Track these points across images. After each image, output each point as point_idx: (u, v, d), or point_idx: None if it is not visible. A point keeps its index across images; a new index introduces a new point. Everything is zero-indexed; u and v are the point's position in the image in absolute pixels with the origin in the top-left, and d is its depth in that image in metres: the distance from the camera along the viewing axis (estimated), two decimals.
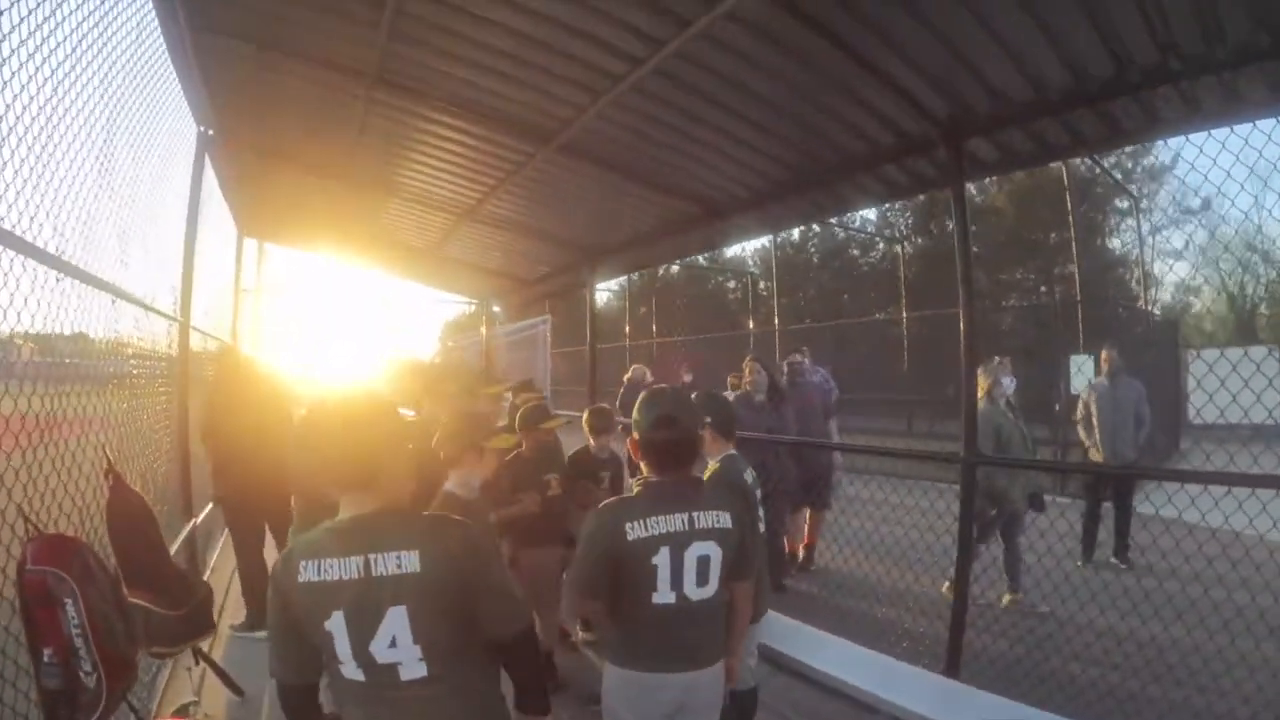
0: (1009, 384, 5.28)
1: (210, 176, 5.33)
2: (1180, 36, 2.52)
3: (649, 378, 8.92)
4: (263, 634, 4.58)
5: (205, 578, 4.67)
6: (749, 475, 2.74)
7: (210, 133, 4.82)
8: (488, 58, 3.42)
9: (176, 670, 3.46)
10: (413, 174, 5.34)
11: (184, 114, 4.35)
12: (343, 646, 1.45)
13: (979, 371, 5.41)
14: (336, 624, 1.44)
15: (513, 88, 3.66)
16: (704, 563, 1.99)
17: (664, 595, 1.97)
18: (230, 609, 4.56)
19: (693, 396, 2.50)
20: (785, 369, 6.16)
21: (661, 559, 1.95)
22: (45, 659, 1.78)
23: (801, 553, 5.80)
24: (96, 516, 2.40)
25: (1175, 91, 2.76)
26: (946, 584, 4.69)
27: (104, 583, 1.98)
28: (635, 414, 2.13)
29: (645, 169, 4.49)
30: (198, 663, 3.22)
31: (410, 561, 1.45)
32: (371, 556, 1.45)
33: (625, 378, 9.15)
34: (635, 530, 1.96)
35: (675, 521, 1.98)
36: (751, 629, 2.74)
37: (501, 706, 1.64)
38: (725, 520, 2.04)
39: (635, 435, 2.11)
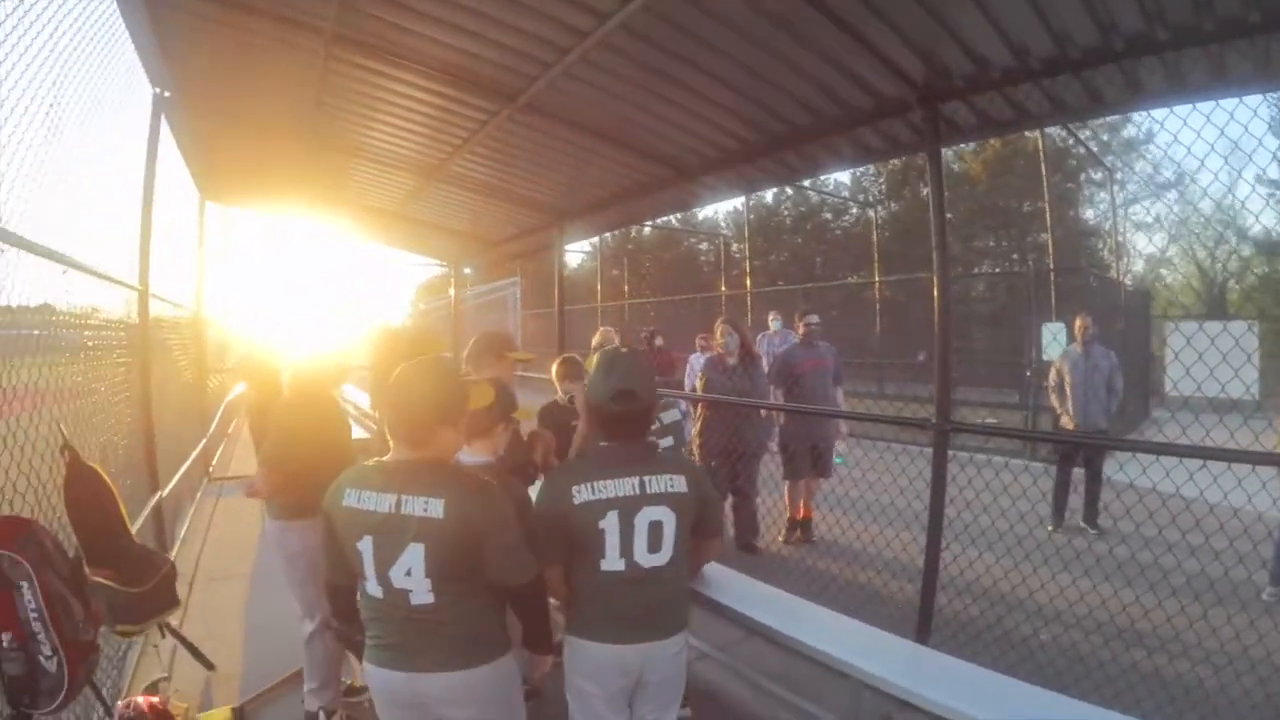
0: None
1: (168, 139, 5.13)
2: (1168, 6, 2.44)
3: (616, 340, 8.87)
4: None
5: (174, 551, 4.63)
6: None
7: (166, 94, 4.62)
8: (447, 12, 3.24)
9: (146, 648, 3.41)
10: (374, 133, 5.14)
11: (138, 75, 4.16)
12: (368, 566, 1.73)
13: None
14: (366, 546, 1.72)
15: (473, 43, 3.49)
16: (656, 528, 1.92)
17: (613, 562, 1.91)
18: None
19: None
20: (802, 329, 5.93)
21: (610, 524, 1.89)
22: (4, 644, 1.74)
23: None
24: (55, 495, 2.34)
25: (1159, 62, 2.69)
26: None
27: (61, 564, 1.93)
28: (592, 377, 2.04)
29: (613, 128, 4.35)
30: (164, 636, 3.19)
31: (435, 508, 1.69)
32: (404, 496, 1.71)
33: (593, 340, 9.05)
34: (582, 494, 1.90)
35: (625, 485, 1.91)
36: None
37: (497, 639, 1.85)
38: (680, 484, 1.95)
39: (589, 399, 2.03)
